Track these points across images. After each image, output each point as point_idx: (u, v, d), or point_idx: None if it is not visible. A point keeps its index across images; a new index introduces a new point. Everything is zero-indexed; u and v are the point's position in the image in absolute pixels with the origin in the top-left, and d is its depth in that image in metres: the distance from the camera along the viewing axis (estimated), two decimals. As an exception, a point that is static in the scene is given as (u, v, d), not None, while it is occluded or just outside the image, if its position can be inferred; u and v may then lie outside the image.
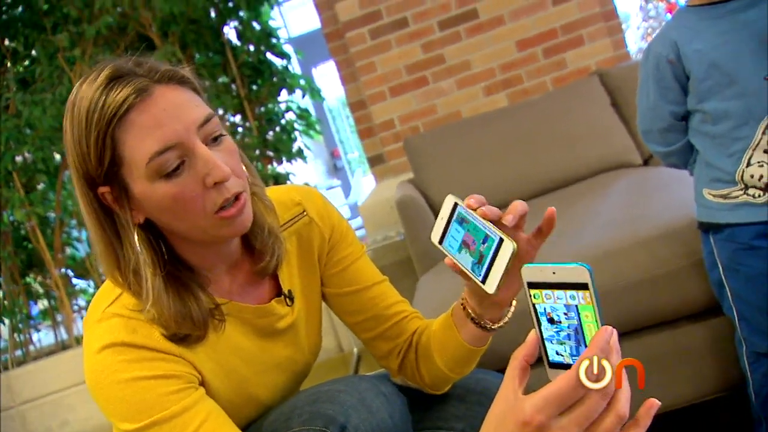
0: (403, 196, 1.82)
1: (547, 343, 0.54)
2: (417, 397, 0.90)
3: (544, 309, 0.54)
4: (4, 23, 2.85)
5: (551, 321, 0.53)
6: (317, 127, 3.18)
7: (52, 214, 2.93)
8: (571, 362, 0.52)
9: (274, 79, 2.95)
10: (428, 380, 0.88)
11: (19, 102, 2.76)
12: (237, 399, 0.79)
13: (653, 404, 0.50)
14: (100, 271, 2.96)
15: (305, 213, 0.88)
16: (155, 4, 2.64)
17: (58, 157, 2.93)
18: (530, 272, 0.54)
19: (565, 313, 0.52)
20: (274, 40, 2.96)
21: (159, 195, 0.68)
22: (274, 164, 2.97)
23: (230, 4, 2.82)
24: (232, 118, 2.97)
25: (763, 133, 1.09)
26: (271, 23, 3.00)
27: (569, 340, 0.52)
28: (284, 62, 2.99)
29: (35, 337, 3.10)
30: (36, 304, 3.16)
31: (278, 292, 0.84)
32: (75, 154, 0.68)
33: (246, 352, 0.80)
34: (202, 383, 0.74)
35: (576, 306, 0.52)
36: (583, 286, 0.51)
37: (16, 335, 2.93)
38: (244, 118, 2.94)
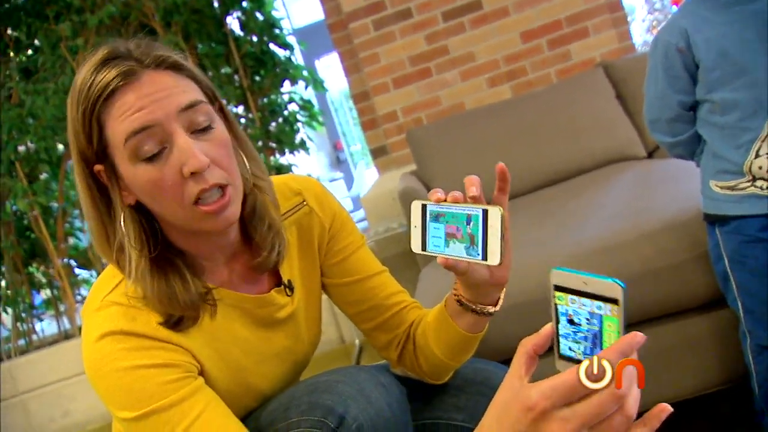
0: (406, 188, 1.81)
1: (561, 339, 0.53)
2: (417, 387, 0.90)
3: (566, 311, 0.53)
4: (7, 12, 2.84)
5: (571, 322, 0.53)
6: (320, 118, 3.17)
7: (54, 204, 2.94)
8: (582, 359, 0.51)
9: (277, 70, 2.94)
10: (427, 370, 0.88)
11: (22, 91, 2.75)
12: (236, 389, 0.78)
13: (665, 409, 0.49)
14: (103, 262, 2.96)
15: (305, 203, 0.87)
16: (158, -6, 2.63)
17: (60, 147, 2.93)
18: (559, 277, 0.53)
19: (588, 319, 0.51)
20: (277, 31, 2.94)
21: (140, 178, 0.68)
22: (277, 155, 2.96)
23: (233, -6, 2.81)
24: (234, 109, 2.96)
25: (772, 124, 1.08)
26: (275, 14, 2.98)
27: (586, 341, 0.51)
28: (287, 53, 2.98)
29: (38, 326, 3.11)
30: (39, 294, 3.17)
31: (278, 282, 0.84)
32: (71, 132, 0.69)
33: (245, 342, 0.80)
34: (201, 373, 0.74)
35: (601, 315, 0.50)
36: (613, 301, 0.50)
37: (19, 324, 2.94)
38: (247, 109, 2.93)
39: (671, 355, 1.30)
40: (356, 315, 0.92)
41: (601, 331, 0.50)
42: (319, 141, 6.74)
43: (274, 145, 2.94)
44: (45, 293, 3.14)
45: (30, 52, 2.98)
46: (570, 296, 0.52)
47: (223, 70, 2.88)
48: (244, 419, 0.78)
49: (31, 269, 3.06)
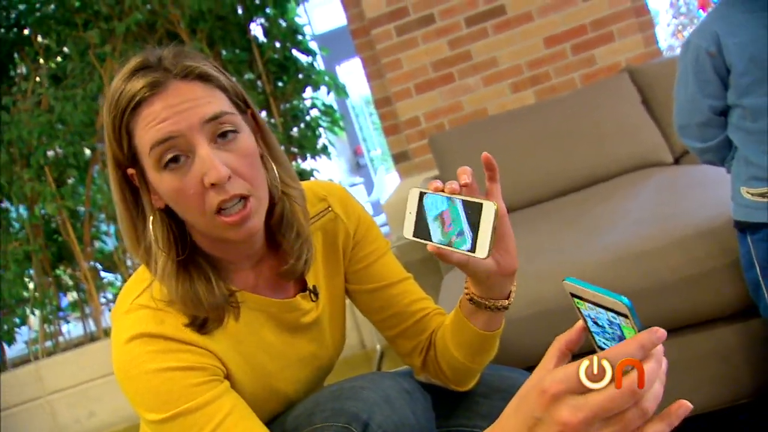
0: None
1: (594, 335, 0.54)
2: (441, 395, 0.89)
3: (588, 314, 0.53)
4: (38, 20, 2.91)
5: (596, 324, 0.53)
6: (341, 123, 3.18)
7: (81, 208, 2.99)
8: None
9: (300, 76, 2.96)
10: (450, 375, 0.87)
11: (52, 97, 2.81)
12: (261, 392, 0.79)
13: (685, 406, 0.47)
14: (128, 265, 3.01)
15: (330, 208, 0.87)
16: (184, 1, 2.67)
17: (88, 152, 2.98)
18: (572, 287, 0.53)
19: (609, 324, 0.51)
20: (299, 37, 2.97)
21: (165, 186, 0.69)
22: (299, 161, 2.98)
23: (257, 2, 2.84)
24: (257, 115, 2.99)
25: (805, 129, 1.05)
26: (297, 20, 3.01)
27: (614, 341, 0.51)
28: (309, 59, 3.00)
29: (64, 328, 3.16)
30: (65, 296, 3.23)
31: (303, 287, 0.84)
32: (105, 136, 0.71)
33: (271, 347, 0.80)
34: (227, 376, 0.74)
35: (619, 324, 0.50)
36: (623, 315, 0.50)
37: (46, 326, 3.00)
38: (270, 114, 2.95)
39: (701, 365, 1.27)
40: (380, 322, 0.92)
41: (623, 335, 0.50)
42: (339, 146, 6.77)
43: (296, 150, 2.96)
44: (71, 296, 3.20)
45: (59, 59, 3.04)
46: (587, 303, 0.52)
47: (246, 76, 2.91)
48: (269, 424, 0.79)
49: (58, 272, 3.12)
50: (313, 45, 3.06)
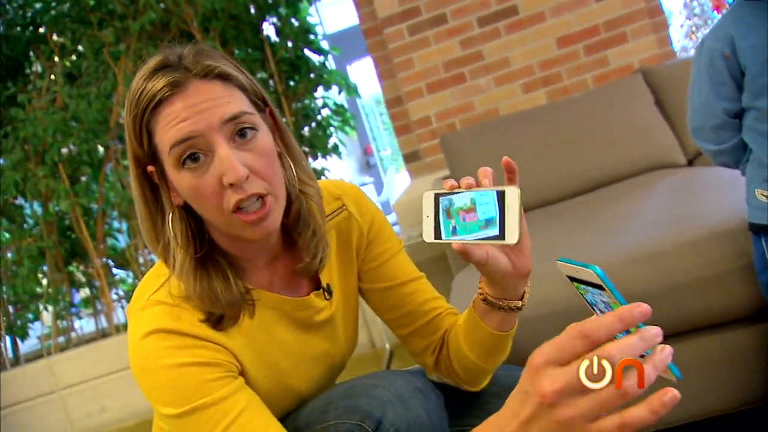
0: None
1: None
2: (453, 394, 0.90)
3: (590, 299, 0.53)
4: (53, 19, 2.94)
5: (595, 307, 0.53)
6: (352, 123, 3.19)
7: (94, 206, 3.02)
8: None
9: (311, 76, 2.97)
10: (463, 375, 0.87)
11: (66, 95, 2.84)
12: (275, 390, 0.79)
13: (672, 394, 0.44)
14: (140, 262, 3.03)
15: (344, 207, 0.88)
16: (197, 0, 2.68)
17: (101, 149, 3.01)
18: (564, 268, 0.53)
19: (604, 306, 0.52)
20: (311, 37, 2.98)
21: (184, 184, 0.70)
22: (310, 160, 2.99)
23: (270, 1, 2.85)
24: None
25: (821, 132, 1.04)
26: (309, 20, 3.02)
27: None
28: (321, 58, 3.01)
29: (77, 324, 3.19)
30: (78, 293, 3.26)
31: (317, 285, 0.85)
32: (126, 134, 0.72)
33: (284, 344, 0.81)
34: (242, 373, 0.75)
35: (609, 303, 0.51)
36: (599, 287, 0.50)
37: (59, 322, 3.03)
38: (281, 113, 2.97)
39: (713, 368, 1.27)
40: (392, 321, 0.92)
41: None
42: (349, 146, 6.77)
43: (307, 149, 2.97)
44: (84, 292, 3.23)
45: (74, 57, 3.07)
46: (582, 286, 0.53)
47: (258, 75, 2.93)
48: (282, 420, 0.79)
49: (71, 268, 3.15)
50: (324, 44, 3.07)
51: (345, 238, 0.88)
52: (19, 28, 3.06)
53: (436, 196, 0.66)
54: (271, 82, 2.92)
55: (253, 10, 2.88)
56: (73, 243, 3.10)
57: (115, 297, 3.12)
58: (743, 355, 1.26)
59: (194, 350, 0.70)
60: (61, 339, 3.02)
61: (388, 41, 2.60)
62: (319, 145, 2.95)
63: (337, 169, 4.37)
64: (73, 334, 3.09)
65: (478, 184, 0.65)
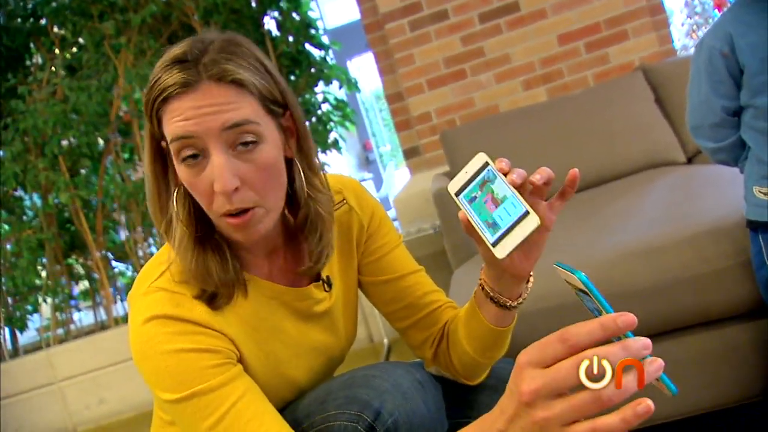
0: (440, 189, 1.82)
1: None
2: (452, 386, 0.90)
3: (586, 304, 0.53)
4: (54, 11, 2.94)
5: (593, 311, 0.53)
6: (352, 118, 3.19)
7: (94, 198, 3.02)
8: None
9: (312, 70, 2.97)
10: (460, 368, 0.88)
11: (66, 88, 2.84)
12: (272, 379, 0.80)
13: (645, 404, 0.45)
14: (139, 255, 3.03)
15: (345, 201, 0.88)
16: (198, -6, 2.68)
17: (101, 142, 3.01)
18: (562, 274, 0.54)
19: (598, 314, 0.51)
20: (312, 31, 2.98)
21: (182, 176, 0.71)
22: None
23: (271, -5, 2.85)
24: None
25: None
26: (311, 14, 3.02)
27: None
28: (322, 53, 3.01)
29: (76, 316, 3.20)
30: (77, 285, 3.26)
31: (317, 277, 0.85)
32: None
33: (284, 334, 0.81)
34: (240, 361, 0.76)
35: (597, 309, 0.51)
36: (586, 293, 0.50)
37: (57, 314, 3.03)
38: (282, 108, 2.96)
39: (711, 363, 1.28)
40: (391, 313, 0.93)
41: None
42: (348, 141, 6.77)
43: (307, 144, 2.97)
44: (83, 284, 3.24)
45: (75, 49, 3.07)
46: (577, 291, 0.53)
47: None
48: (281, 411, 0.80)
49: (70, 261, 3.15)
50: (325, 39, 3.07)
51: (345, 232, 0.88)
52: (19, 20, 3.05)
53: (486, 164, 0.65)
54: (271, 76, 2.92)
55: (254, 4, 2.87)
56: (72, 235, 3.10)
57: (113, 290, 3.13)
58: (740, 351, 1.27)
59: (194, 336, 0.71)
60: (60, 331, 3.03)
61: (389, 36, 2.60)
62: (319, 140, 2.96)
63: (337, 165, 4.36)
64: (72, 327, 3.10)
65: (522, 186, 0.64)
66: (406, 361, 0.91)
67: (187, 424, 0.71)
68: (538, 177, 0.65)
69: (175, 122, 0.68)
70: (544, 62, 2.54)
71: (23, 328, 3.05)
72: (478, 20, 2.55)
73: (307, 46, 2.97)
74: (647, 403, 0.44)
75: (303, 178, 0.78)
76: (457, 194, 0.66)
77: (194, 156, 0.69)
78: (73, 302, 3.16)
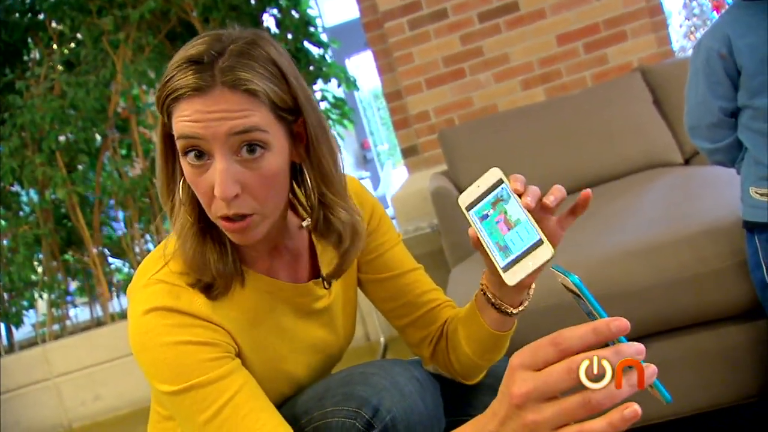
0: (438, 188, 1.82)
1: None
2: (450, 384, 0.91)
3: (582, 307, 0.54)
4: (52, 6, 2.93)
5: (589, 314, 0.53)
6: (350, 116, 3.19)
7: (91, 195, 3.01)
8: None
9: (311, 68, 2.97)
10: (459, 368, 0.88)
11: (64, 83, 2.83)
12: (270, 374, 0.80)
13: (632, 408, 0.45)
14: (136, 252, 3.03)
15: None
16: (197, -10, 2.68)
17: (99, 138, 3.00)
18: (558, 277, 0.54)
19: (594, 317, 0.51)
20: (311, 29, 2.97)
21: (186, 172, 0.71)
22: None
23: (270, -8, 2.85)
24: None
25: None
26: (310, 12, 3.01)
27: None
28: (321, 51, 3.01)
29: (72, 312, 3.19)
30: (73, 281, 3.25)
31: (317, 274, 0.85)
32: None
33: (282, 329, 0.81)
34: (238, 354, 0.76)
35: (591, 312, 0.51)
36: (578, 296, 0.50)
37: (54, 310, 3.02)
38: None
39: (707, 364, 1.28)
40: (390, 311, 0.93)
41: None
42: (346, 140, 6.76)
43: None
44: (79, 280, 3.23)
45: (73, 45, 3.06)
46: (573, 294, 0.53)
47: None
48: (279, 407, 0.80)
49: (66, 257, 3.15)
50: (324, 37, 3.07)
51: (345, 230, 0.88)
52: (17, 15, 3.04)
53: (500, 181, 0.63)
54: (270, 73, 2.91)
55: (253, 1, 2.87)
56: (69, 231, 3.09)
57: (111, 286, 3.12)
58: (736, 352, 1.28)
59: (193, 329, 0.71)
60: (56, 327, 3.02)
61: (388, 35, 2.60)
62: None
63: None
64: (67, 323, 3.09)
65: (535, 209, 0.62)
66: (403, 359, 0.92)
67: (185, 417, 0.71)
68: (552, 199, 0.65)
69: (183, 122, 0.68)
70: (542, 62, 2.55)
71: (19, 323, 3.04)
72: (477, 19, 2.56)
73: (306, 43, 2.97)
74: (634, 408, 0.45)
75: (311, 186, 0.76)
76: (468, 209, 0.64)
77: (199, 156, 0.69)
78: (69, 298, 3.15)
